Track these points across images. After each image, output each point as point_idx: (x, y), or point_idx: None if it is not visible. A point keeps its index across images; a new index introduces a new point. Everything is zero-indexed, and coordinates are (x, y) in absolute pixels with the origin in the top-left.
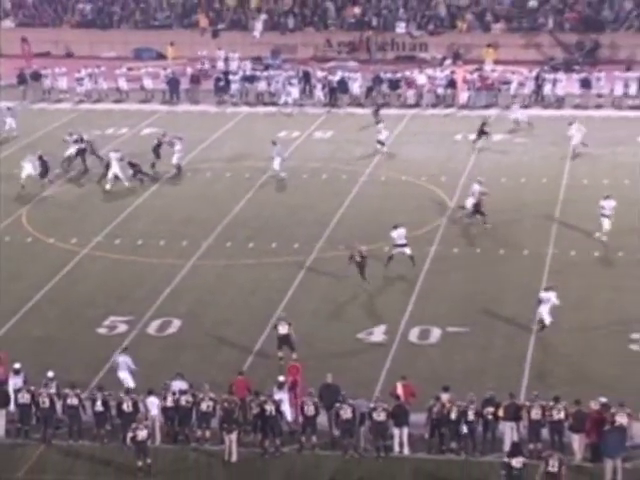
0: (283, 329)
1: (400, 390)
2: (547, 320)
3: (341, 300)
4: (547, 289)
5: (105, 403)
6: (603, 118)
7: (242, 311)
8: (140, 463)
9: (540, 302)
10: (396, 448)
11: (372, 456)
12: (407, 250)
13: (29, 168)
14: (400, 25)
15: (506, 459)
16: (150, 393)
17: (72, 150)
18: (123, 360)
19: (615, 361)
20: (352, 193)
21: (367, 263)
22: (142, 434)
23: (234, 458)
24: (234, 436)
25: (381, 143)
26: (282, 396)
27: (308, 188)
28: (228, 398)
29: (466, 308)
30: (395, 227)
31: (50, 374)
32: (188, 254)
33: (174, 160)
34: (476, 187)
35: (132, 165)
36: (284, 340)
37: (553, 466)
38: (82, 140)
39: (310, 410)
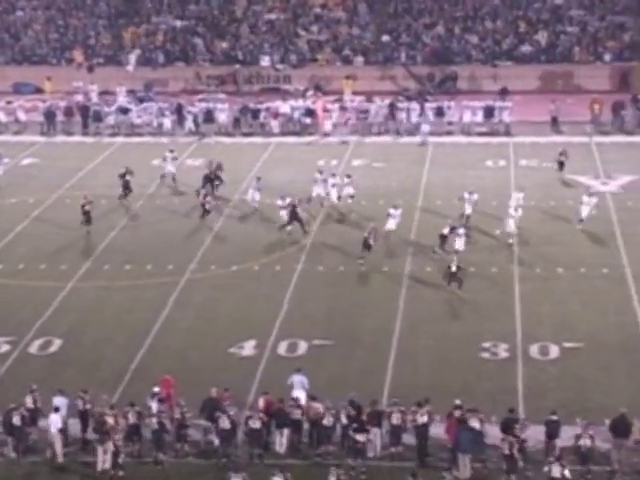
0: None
1: (262, 404)
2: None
3: (213, 317)
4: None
5: None
6: (454, 144)
7: (120, 329)
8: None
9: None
10: (277, 448)
11: (246, 462)
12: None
13: None
14: (264, 59)
15: (351, 433)
16: (57, 410)
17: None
18: (299, 380)
19: (468, 368)
20: (222, 217)
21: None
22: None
23: (107, 465)
24: (108, 445)
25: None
26: (153, 405)
27: (180, 213)
28: (100, 411)
29: (331, 322)
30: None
31: None
32: (68, 277)
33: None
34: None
35: None
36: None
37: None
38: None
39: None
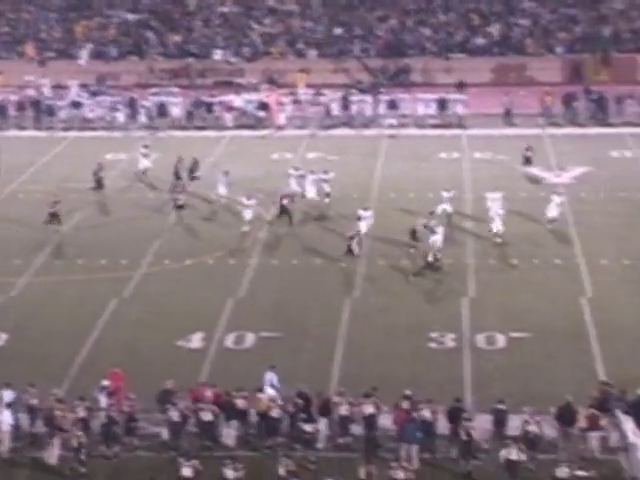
0: None
1: (211, 396)
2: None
3: (163, 310)
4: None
5: None
6: (407, 136)
7: (69, 323)
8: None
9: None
10: (226, 440)
11: (195, 454)
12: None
13: None
14: (217, 52)
15: (300, 424)
16: (8, 407)
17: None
18: (269, 377)
19: (415, 358)
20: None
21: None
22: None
23: (53, 460)
24: (56, 440)
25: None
26: (101, 399)
27: (135, 207)
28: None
29: (280, 315)
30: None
31: None
32: (20, 272)
33: None
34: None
35: None
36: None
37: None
38: None
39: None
